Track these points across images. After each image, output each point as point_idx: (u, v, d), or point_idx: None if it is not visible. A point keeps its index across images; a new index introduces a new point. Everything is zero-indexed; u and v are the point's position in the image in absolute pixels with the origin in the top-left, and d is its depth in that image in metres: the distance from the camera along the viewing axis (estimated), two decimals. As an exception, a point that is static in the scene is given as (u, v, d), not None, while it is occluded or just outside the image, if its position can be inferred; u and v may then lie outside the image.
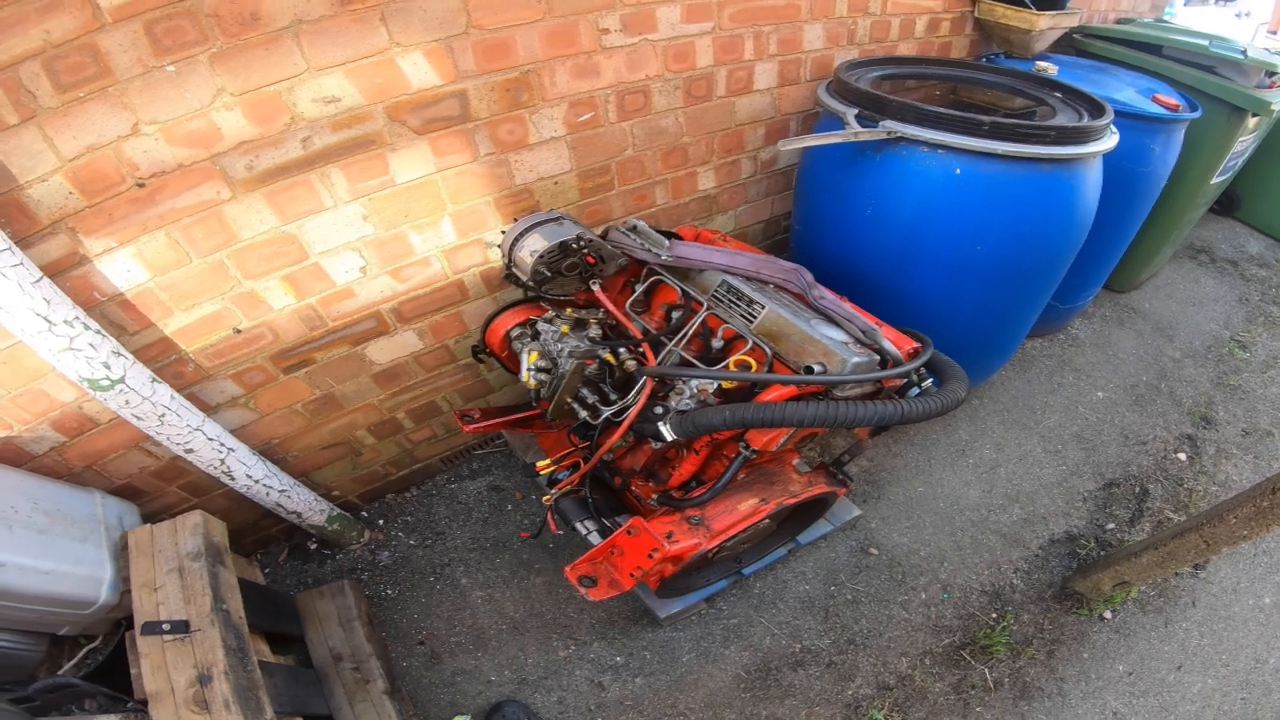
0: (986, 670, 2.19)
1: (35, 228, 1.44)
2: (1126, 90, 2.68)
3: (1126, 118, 2.48)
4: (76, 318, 1.49)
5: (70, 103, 1.35)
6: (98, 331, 1.54)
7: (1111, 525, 2.64)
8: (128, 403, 1.63)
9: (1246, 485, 2.25)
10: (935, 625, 2.31)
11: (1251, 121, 2.98)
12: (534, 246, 1.89)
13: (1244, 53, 2.87)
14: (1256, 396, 3.28)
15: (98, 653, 1.67)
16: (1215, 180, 3.22)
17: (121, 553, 1.68)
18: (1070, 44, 3.33)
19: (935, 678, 2.18)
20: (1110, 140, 2.11)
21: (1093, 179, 2.15)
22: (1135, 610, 2.38)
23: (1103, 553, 2.51)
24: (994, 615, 2.34)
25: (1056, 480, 2.80)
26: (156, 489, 1.97)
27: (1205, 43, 2.96)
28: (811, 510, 2.25)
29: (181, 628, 1.55)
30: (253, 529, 2.30)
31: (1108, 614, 2.35)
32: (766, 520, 1.90)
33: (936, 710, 2.11)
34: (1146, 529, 2.64)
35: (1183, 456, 2.95)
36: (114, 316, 1.63)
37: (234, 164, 1.58)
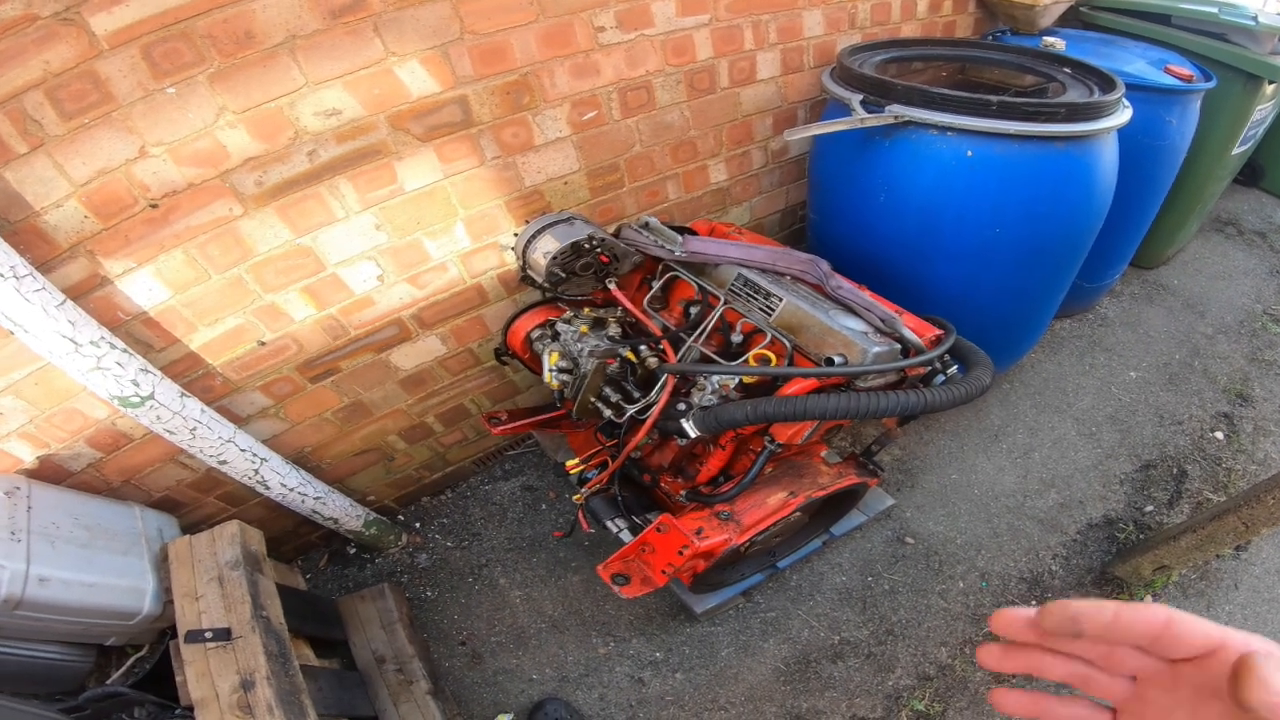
0: (1028, 658, 2.01)
1: (55, 252, 1.38)
2: (1137, 62, 2.45)
3: (1139, 90, 2.27)
4: (102, 338, 1.44)
5: (76, 129, 1.29)
6: (124, 350, 1.48)
7: (1150, 508, 2.42)
8: (159, 418, 1.57)
9: (1287, 463, 2.07)
10: (975, 614, 2.14)
11: (1269, 89, 2.71)
12: (546, 248, 1.79)
13: (1255, 18, 2.61)
14: (1293, 371, 2.98)
15: (144, 661, 1.63)
16: (1236, 151, 2.95)
17: (163, 564, 1.63)
18: (1076, 17, 3.07)
19: (976, 667, 2.01)
20: (1123, 115, 1.93)
21: (1108, 155, 1.97)
22: (1177, 594, 2.17)
23: (1142, 536, 2.29)
24: (1034, 602, 2.14)
25: (1092, 463, 2.57)
26: (194, 500, 1.91)
27: (1214, 10, 2.70)
28: (844, 501, 2.10)
29: (223, 635, 1.50)
30: (292, 536, 2.23)
31: (1149, 598, 2.14)
32: (797, 513, 1.77)
33: (978, 699, 1.94)
34: (1186, 511, 2.41)
35: (1220, 435, 2.69)
36: (139, 334, 1.57)
37: (243, 180, 1.50)
